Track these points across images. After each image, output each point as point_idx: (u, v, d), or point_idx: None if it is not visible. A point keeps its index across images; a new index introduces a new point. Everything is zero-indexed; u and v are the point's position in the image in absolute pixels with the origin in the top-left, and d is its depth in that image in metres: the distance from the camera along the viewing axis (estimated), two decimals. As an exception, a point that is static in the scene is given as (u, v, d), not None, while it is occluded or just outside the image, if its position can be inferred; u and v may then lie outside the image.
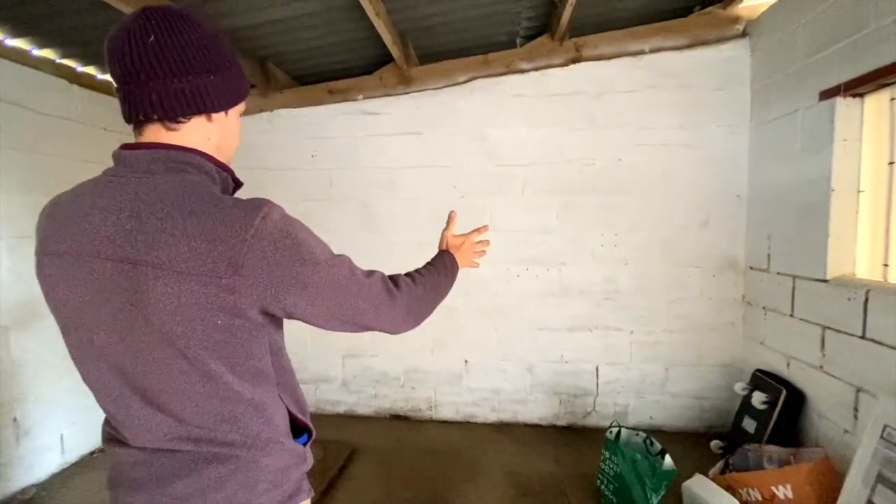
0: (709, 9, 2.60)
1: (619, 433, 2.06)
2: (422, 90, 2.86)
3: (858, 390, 1.86)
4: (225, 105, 0.74)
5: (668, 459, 1.90)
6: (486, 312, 2.92)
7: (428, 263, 1.03)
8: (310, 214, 2.94)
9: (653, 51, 2.67)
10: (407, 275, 0.92)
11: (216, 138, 0.75)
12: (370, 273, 0.79)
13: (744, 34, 2.60)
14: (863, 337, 1.83)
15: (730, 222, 2.66)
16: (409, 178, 2.92)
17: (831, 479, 1.79)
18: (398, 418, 3.05)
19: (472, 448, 2.65)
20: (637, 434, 2.08)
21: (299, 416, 0.79)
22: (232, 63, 0.74)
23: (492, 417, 2.95)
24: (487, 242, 1.23)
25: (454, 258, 1.08)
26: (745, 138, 2.62)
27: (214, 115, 0.73)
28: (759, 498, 1.92)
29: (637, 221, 2.73)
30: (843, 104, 1.97)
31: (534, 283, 2.85)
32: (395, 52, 2.53)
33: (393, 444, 2.71)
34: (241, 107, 0.79)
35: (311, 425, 0.82)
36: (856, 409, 1.87)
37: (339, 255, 0.74)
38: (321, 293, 0.69)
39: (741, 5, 2.53)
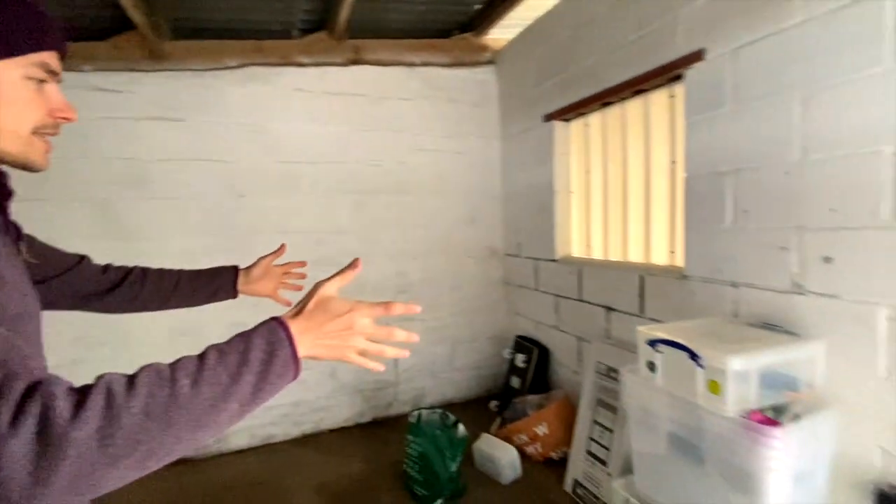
0: (464, 35, 3.03)
1: (419, 416, 2.23)
2: (179, 69, 2.41)
3: (580, 339, 2.50)
4: None
5: (461, 428, 2.16)
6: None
7: (222, 347, 0.53)
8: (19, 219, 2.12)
9: (424, 64, 2.94)
10: (132, 379, 0.47)
11: None
12: None
13: (491, 62, 3.13)
14: (580, 300, 2.48)
15: (490, 218, 3.18)
16: (169, 172, 2.43)
17: (570, 411, 2.36)
18: (178, 463, 2.52)
19: (274, 471, 2.42)
20: (434, 412, 2.28)
21: None
22: None
23: (294, 432, 2.76)
24: (390, 310, 0.64)
25: (290, 341, 0.55)
26: (498, 149, 3.17)
27: None
28: (527, 439, 2.39)
29: (421, 219, 2.98)
30: (558, 126, 2.60)
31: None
32: (136, 17, 2.05)
33: (176, 497, 2.23)
34: (3, 71, 0.55)
35: None
36: (579, 354, 2.51)
37: None
38: None
39: (488, 36, 3.03)
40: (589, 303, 2.41)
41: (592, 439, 2.06)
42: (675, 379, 1.37)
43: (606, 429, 2.00)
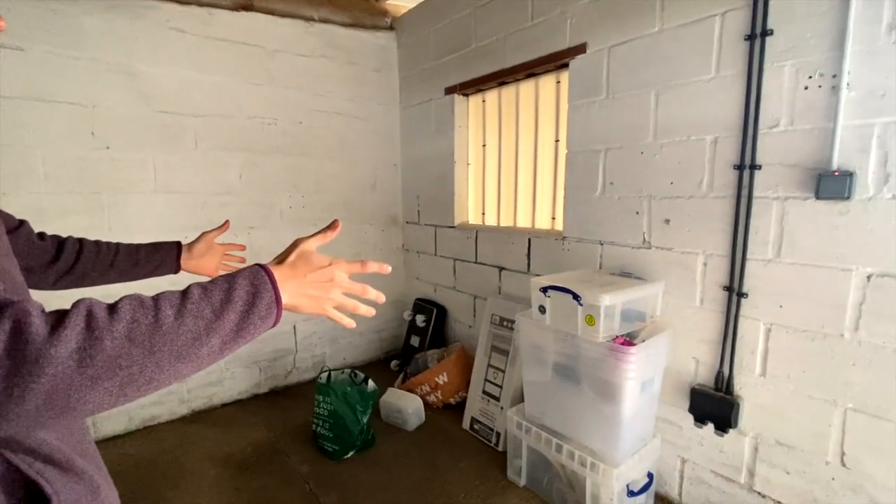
0: (365, -4, 2.98)
1: (329, 376, 2.28)
2: (13, -14, 1.95)
3: (475, 297, 2.78)
4: None
5: (370, 383, 2.28)
6: (161, 289, 2.44)
7: (206, 285, 0.54)
8: None
9: (322, 20, 2.82)
10: (113, 306, 0.47)
11: None
12: None
13: (392, 27, 3.14)
14: (476, 262, 2.74)
15: (390, 186, 3.25)
16: (8, 113, 1.99)
17: (467, 360, 2.63)
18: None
19: (164, 451, 2.24)
20: (342, 372, 2.35)
21: (29, 470, 0.51)
22: None
23: (182, 410, 2.56)
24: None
25: (273, 286, 0.56)
26: (397, 116, 3.23)
27: None
28: (429, 389, 2.61)
29: (321, 183, 2.92)
30: (458, 100, 2.77)
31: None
32: None
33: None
34: None
35: (51, 489, 0.52)
36: (474, 310, 2.79)
37: None
38: None
39: (388, 2, 3.03)
40: (484, 264, 2.68)
41: (487, 380, 2.35)
42: (561, 317, 1.67)
43: (499, 370, 2.31)
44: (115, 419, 2.38)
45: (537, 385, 1.88)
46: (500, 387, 2.28)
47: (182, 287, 0.54)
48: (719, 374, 1.64)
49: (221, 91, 2.50)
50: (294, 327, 2.93)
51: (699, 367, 1.71)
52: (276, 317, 0.56)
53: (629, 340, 1.59)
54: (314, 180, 2.88)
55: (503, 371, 2.28)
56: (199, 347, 0.49)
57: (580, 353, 1.65)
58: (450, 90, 2.75)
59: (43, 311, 0.44)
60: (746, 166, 1.51)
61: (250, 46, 2.57)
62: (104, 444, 2.31)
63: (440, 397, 2.59)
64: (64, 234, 0.97)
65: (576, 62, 2.01)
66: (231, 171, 2.59)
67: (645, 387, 1.64)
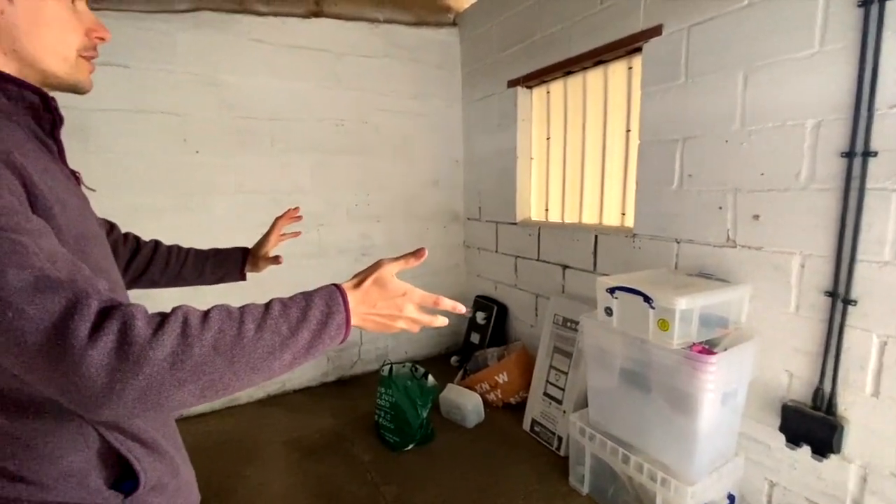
0: (428, -7, 2.98)
1: (391, 369, 2.33)
2: (120, 10, 2.19)
3: (537, 296, 2.70)
4: None
5: (430, 379, 2.30)
6: (241, 284, 2.64)
7: (287, 302, 0.56)
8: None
9: (387, 21, 2.88)
10: (206, 314, 0.51)
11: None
12: (41, 289, 0.43)
13: (454, 23, 3.13)
14: (538, 259, 2.65)
15: (452, 182, 3.25)
16: (114, 124, 2.24)
17: (528, 360, 2.57)
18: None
19: (241, 431, 2.43)
20: (404, 366, 2.39)
21: (121, 448, 0.58)
22: None
23: (258, 394, 2.76)
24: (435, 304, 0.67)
25: (344, 307, 0.58)
26: (460, 112, 3.22)
27: None
28: (488, 387, 2.58)
29: (384, 181, 2.99)
30: (521, 93, 2.69)
31: (292, 245, 2.74)
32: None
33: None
34: None
35: (139, 466, 0.59)
36: (536, 309, 2.71)
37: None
38: None
39: (452, -3, 3.01)
40: (546, 262, 2.59)
41: (549, 382, 2.28)
42: (629, 320, 1.57)
43: (562, 372, 2.22)
44: (202, 399, 2.61)
45: (603, 391, 1.78)
46: (563, 389, 2.19)
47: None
48: (818, 390, 1.44)
49: (294, 95, 2.64)
50: (359, 320, 3.03)
51: (793, 381, 1.52)
52: (343, 336, 0.59)
53: (708, 348, 1.45)
54: (378, 178, 2.96)
55: (566, 373, 2.20)
56: (273, 361, 0.52)
57: (651, 360, 1.54)
58: (513, 83, 2.68)
59: (146, 314, 0.47)
60: (858, 153, 1.30)
61: (320, 51, 2.69)
62: (191, 420, 2.55)
63: (500, 396, 2.55)
64: (159, 235, 1.05)
65: (650, 46, 1.86)
66: (302, 171, 2.73)
67: (726, 399, 1.49)
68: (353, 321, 0.60)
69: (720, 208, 1.68)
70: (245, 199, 2.59)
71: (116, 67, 2.22)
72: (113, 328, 0.44)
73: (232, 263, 1.08)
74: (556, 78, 2.49)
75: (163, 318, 0.48)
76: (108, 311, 0.45)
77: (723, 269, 1.68)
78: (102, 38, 0.63)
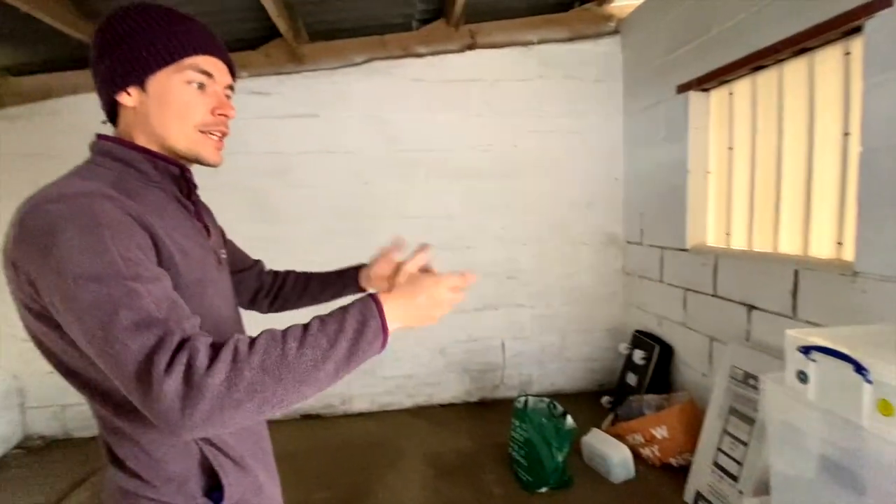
0: (587, 5, 2.83)
1: (526, 402, 2.22)
2: (315, 69, 2.70)
3: (712, 340, 2.23)
4: (118, 84, 0.67)
5: (569, 420, 2.10)
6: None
7: (325, 318, 0.61)
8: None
9: (541, 42, 2.83)
10: (254, 341, 0.56)
11: (141, 122, 0.68)
12: (141, 327, 0.52)
13: (616, 31, 2.89)
14: (714, 295, 2.20)
15: (610, 202, 2.98)
16: (308, 164, 2.76)
17: (695, 416, 2.13)
18: (310, 417, 2.93)
19: (390, 436, 2.66)
20: (541, 400, 2.26)
21: (213, 461, 0.68)
22: (123, 38, 0.66)
23: (408, 403, 2.98)
24: (465, 282, 0.73)
25: (380, 314, 0.61)
26: (620, 126, 2.93)
27: (125, 98, 0.67)
28: (642, 440, 2.23)
29: (532, 203, 2.92)
30: (694, 97, 2.30)
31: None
32: (281, 25, 2.34)
33: (307, 445, 2.60)
34: (166, 80, 0.67)
35: (226, 479, 0.69)
36: (710, 356, 2.24)
37: (114, 282, 0.53)
38: (67, 312, 0.54)
39: (614, 4, 2.79)
40: (725, 299, 2.12)
41: (721, 450, 1.84)
42: (833, 394, 1.15)
43: (739, 441, 1.77)
44: (362, 399, 2.95)
45: (792, 480, 1.34)
46: (740, 463, 1.74)
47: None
48: None
49: (445, 126, 2.82)
50: (503, 344, 3.00)
51: None
52: (382, 342, 0.62)
53: (978, 457, 0.95)
54: (525, 200, 2.91)
55: (745, 444, 1.74)
56: (317, 372, 0.57)
57: (867, 452, 1.09)
58: (683, 87, 2.31)
59: (207, 345, 0.55)
60: None
61: (473, 81, 2.81)
62: (354, 417, 2.90)
63: (657, 454, 2.17)
64: (336, 256, 1.16)
65: (876, 21, 1.37)
66: (452, 197, 2.87)
67: None
68: (396, 322, 0.63)
69: None
70: (404, 223, 2.86)
71: (311, 118, 2.73)
72: (182, 360, 0.51)
73: (340, 286, 1.14)
74: (740, 76, 2.06)
75: (219, 348, 0.54)
76: (181, 345, 0.53)
77: None
78: (225, 115, 0.73)
